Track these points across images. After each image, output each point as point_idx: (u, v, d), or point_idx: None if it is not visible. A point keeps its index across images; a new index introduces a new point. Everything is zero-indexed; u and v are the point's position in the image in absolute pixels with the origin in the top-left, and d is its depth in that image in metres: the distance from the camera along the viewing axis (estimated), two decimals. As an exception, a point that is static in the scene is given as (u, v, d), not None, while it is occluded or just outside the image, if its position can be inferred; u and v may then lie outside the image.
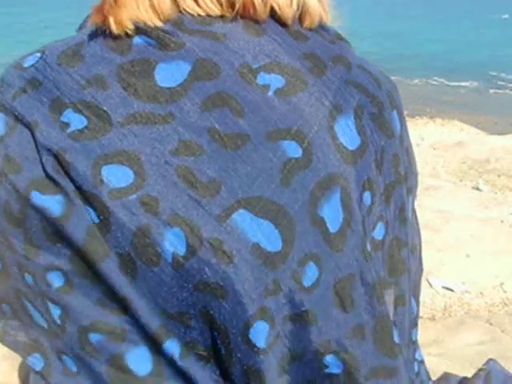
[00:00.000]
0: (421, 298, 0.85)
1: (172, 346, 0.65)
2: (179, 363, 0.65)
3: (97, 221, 0.62)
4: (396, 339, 0.72)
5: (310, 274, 0.66)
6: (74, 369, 0.65)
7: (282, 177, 0.63)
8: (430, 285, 2.04)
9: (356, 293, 0.69)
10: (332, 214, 0.66)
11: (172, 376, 0.65)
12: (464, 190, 3.38)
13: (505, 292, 2.17)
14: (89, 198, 0.62)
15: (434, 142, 4.32)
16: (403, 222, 0.77)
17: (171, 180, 0.62)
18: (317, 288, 0.67)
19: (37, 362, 0.70)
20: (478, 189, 3.47)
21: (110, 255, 0.62)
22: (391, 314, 0.73)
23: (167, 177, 0.62)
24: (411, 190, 0.81)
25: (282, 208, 0.63)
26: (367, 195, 0.69)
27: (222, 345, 0.65)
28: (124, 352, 0.62)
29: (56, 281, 0.61)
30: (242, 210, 0.63)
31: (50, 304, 0.63)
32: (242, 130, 0.64)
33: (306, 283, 0.66)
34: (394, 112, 0.78)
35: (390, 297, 0.76)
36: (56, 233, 0.60)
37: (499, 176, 3.78)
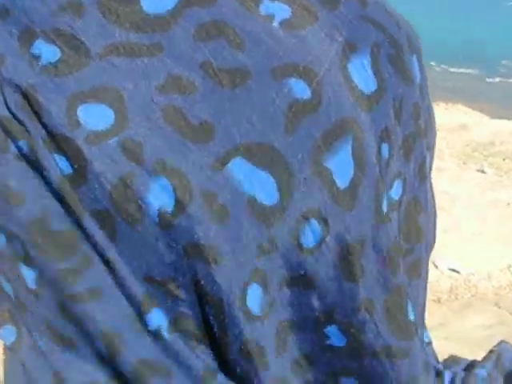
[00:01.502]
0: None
1: (158, 318, 0.56)
2: (166, 337, 0.56)
3: (70, 171, 0.53)
4: (411, 317, 0.63)
5: (312, 233, 0.57)
6: (49, 345, 0.57)
7: (286, 121, 0.54)
8: (436, 266, 1.96)
9: (367, 260, 0.59)
10: (341, 166, 0.57)
11: (155, 354, 0.56)
12: (469, 172, 3.30)
13: (512, 275, 2.10)
14: (61, 144, 0.53)
15: (437, 124, 4.21)
16: (423, 181, 0.68)
17: (157, 122, 0.53)
18: (319, 250, 0.57)
19: (8, 334, 0.61)
20: (482, 171, 3.39)
21: (84, 213, 0.53)
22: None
23: (153, 118, 0.53)
24: (430, 149, 0.72)
25: (283, 157, 0.54)
26: (385, 147, 0.60)
27: (216, 321, 0.55)
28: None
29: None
30: (238, 159, 0.53)
31: (22, 266, 0.55)
32: (241, 65, 0.55)
33: (307, 243, 0.57)
34: (414, 57, 0.68)
35: (404, 267, 0.67)
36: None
37: (504, 159, 3.70)
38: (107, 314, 0.56)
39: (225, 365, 0.58)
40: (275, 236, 0.56)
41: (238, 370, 0.56)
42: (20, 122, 0.53)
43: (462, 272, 2.03)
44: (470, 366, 0.96)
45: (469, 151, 3.84)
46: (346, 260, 0.59)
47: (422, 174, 0.69)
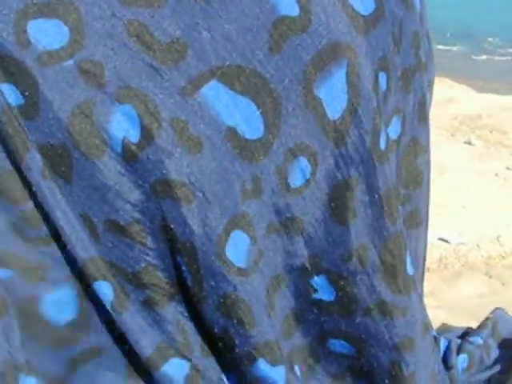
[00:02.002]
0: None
1: (106, 285, 0.48)
2: (116, 308, 0.48)
3: (20, 101, 0.45)
4: (410, 270, 0.56)
5: (300, 170, 0.50)
6: None
7: (271, 41, 0.47)
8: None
9: (359, 202, 0.53)
10: (333, 94, 0.49)
11: (100, 328, 0.48)
12: (456, 144, 3.26)
13: (502, 245, 2.05)
14: (8, 68, 0.45)
15: (424, 97, 4.15)
16: (423, 120, 0.61)
17: (120, 39, 0.45)
18: (307, 189, 0.51)
19: None
20: (470, 143, 3.35)
21: (32, 151, 0.45)
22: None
23: (114, 35, 0.45)
24: (430, 86, 0.64)
25: (267, 83, 0.47)
26: (382, 77, 0.53)
27: (189, 272, 0.48)
28: (40, 295, 0.45)
29: None
30: (214, 82, 0.46)
31: None
32: None
33: (294, 182, 0.50)
34: None
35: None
36: None
37: (491, 132, 3.66)
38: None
39: (202, 326, 0.52)
40: (259, 175, 0.49)
41: (216, 329, 0.50)
42: None
43: (451, 242, 1.98)
44: (465, 333, 0.89)
45: (456, 124, 3.79)
46: (335, 200, 0.52)
47: (422, 113, 0.61)
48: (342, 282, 0.51)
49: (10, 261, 0.46)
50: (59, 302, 0.48)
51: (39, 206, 0.47)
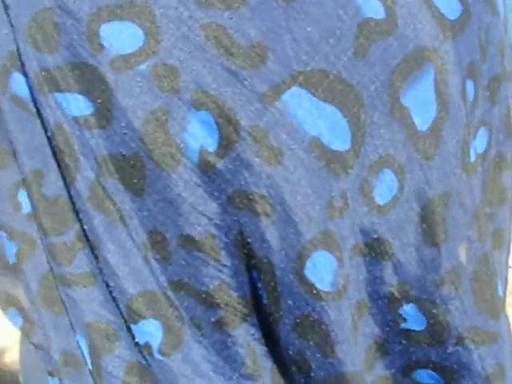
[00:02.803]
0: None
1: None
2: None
3: (90, 111, 0.43)
4: (500, 291, 0.52)
5: (386, 186, 0.46)
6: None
7: (356, 44, 0.44)
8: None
9: (451, 220, 0.49)
10: (421, 103, 0.46)
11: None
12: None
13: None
14: (81, 75, 0.43)
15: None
16: (508, 133, 0.57)
17: (197, 42, 0.43)
18: (395, 207, 0.47)
19: (15, 318, 0.52)
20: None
21: (83, 173, 0.43)
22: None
23: (191, 38, 0.43)
24: None
25: (353, 89, 0.44)
26: (470, 86, 0.50)
27: (265, 290, 0.45)
28: None
29: (25, 204, 0.44)
30: (296, 89, 0.43)
31: (5, 236, 0.46)
32: None
33: (380, 199, 0.46)
34: None
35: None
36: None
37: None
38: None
39: (275, 348, 0.48)
40: (346, 190, 0.45)
41: (291, 351, 0.46)
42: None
43: None
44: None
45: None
46: (426, 219, 0.48)
47: (508, 126, 0.58)
48: (434, 310, 0.47)
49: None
50: None
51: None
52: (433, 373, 0.51)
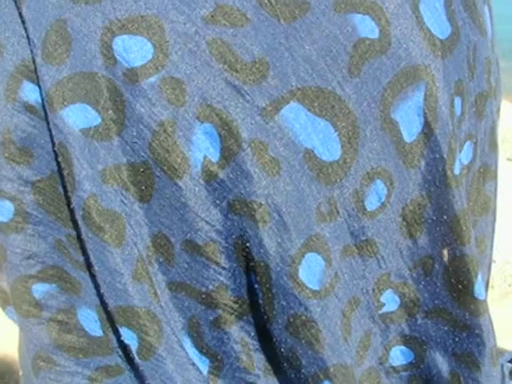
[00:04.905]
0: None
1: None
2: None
3: (98, 121, 0.45)
4: (478, 294, 0.54)
5: (376, 193, 0.49)
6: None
7: (351, 63, 0.46)
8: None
9: (429, 221, 0.52)
10: (409, 117, 0.49)
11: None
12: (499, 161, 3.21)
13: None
14: (96, 86, 0.45)
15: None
16: (493, 146, 0.60)
17: (203, 58, 0.45)
18: (382, 212, 0.50)
19: (13, 315, 0.55)
20: (512, 160, 3.30)
21: (79, 190, 0.45)
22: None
23: (197, 53, 0.45)
24: (498, 110, 0.64)
25: (345, 105, 0.47)
26: (457, 102, 0.53)
27: (260, 291, 0.48)
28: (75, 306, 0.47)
29: (5, 213, 0.46)
30: (294, 104, 0.46)
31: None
32: None
33: (370, 206, 0.49)
34: (486, 8, 0.60)
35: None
36: (27, 147, 0.45)
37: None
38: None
39: (268, 346, 0.51)
40: (336, 197, 0.48)
41: (283, 349, 0.49)
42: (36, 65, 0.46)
43: (497, 261, 1.95)
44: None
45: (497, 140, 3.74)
46: (406, 219, 0.51)
47: (493, 139, 0.61)
48: (405, 289, 0.51)
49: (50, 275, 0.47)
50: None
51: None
52: (404, 348, 0.54)
